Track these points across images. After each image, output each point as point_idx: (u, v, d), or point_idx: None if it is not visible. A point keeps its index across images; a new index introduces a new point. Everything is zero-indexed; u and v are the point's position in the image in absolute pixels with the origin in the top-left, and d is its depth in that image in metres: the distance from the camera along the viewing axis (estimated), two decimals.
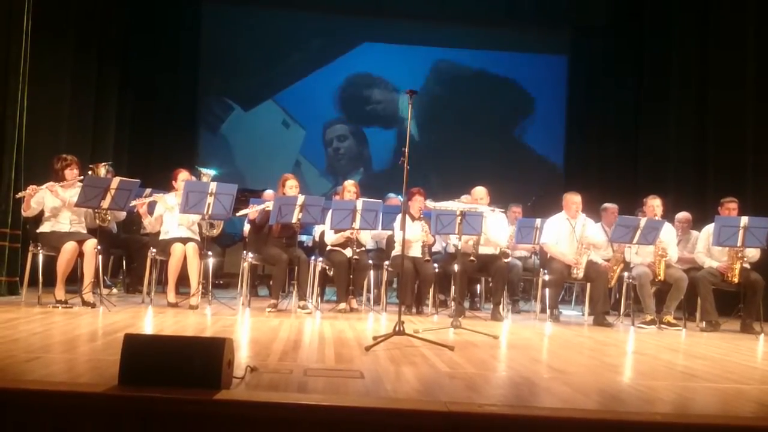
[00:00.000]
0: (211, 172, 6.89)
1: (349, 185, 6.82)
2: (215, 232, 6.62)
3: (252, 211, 6.53)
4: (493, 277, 6.64)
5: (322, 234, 6.92)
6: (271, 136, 11.08)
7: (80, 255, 5.70)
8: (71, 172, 5.87)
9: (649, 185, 8.42)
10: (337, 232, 6.54)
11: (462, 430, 2.40)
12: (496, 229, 6.66)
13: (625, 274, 6.69)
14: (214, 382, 2.54)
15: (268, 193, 7.85)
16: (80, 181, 5.78)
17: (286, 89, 11.05)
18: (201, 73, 10.87)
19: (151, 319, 5.29)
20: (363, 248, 6.63)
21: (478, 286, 7.66)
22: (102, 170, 6.44)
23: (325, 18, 11.09)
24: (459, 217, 5.86)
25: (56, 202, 5.78)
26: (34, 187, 5.68)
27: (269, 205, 6.27)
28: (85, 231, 5.96)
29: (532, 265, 7.59)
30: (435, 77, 11.08)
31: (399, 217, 6.34)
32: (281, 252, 6.25)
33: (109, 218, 6.33)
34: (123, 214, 6.55)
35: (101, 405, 2.43)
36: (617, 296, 7.20)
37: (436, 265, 6.69)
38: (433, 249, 7.03)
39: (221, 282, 8.43)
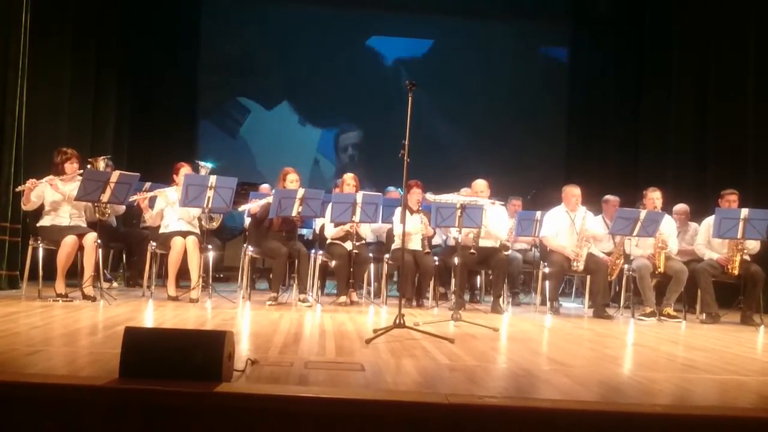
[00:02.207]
0: (209, 165, 6.88)
1: (349, 178, 6.80)
2: (214, 225, 6.62)
3: (254, 205, 6.52)
4: (493, 270, 6.64)
5: (322, 227, 6.91)
6: (273, 129, 11.06)
7: (80, 249, 5.70)
8: (71, 166, 5.87)
9: (649, 177, 8.40)
10: (337, 225, 6.54)
11: (462, 422, 2.41)
12: (496, 222, 6.66)
13: (626, 266, 6.69)
14: (214, 374, 2.55)
15: (264, 186, 7.83)
16: (80, 174, 5.77)
17: (287, 82, 11.03)
18: (201, 67, 10.85)
19: (152, 312, 5.29)
20: (363, 241, 6.63)
21: (479, 279, 7.67)
22: (101, 164, 6.42)
23: (323, 12, 11.05)
24: (459, 210, 5.86)
25: (56, 196, 5.78)
26: (34, 180, 5.67)
27: (271, 199, 6.26)
28: (85, 225, 5.95)
29: (532, 258, 7.59)
30: (435, 69, 11.05)
31: (398, 210, 6.34)
32: (281, 245, 6.25)
33: (109, 212, 6.32)
34: (122, 208, 6.54)
35: (102, 398, 2.43)
36: (617, 288, 7.20)
37: (436, 257, 6.70)
38: (434, 242, 7.04)
39: (221, 275, 8.43)
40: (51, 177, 5.76)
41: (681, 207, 7.35)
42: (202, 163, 6.93)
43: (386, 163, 6.05)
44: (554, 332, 5.28)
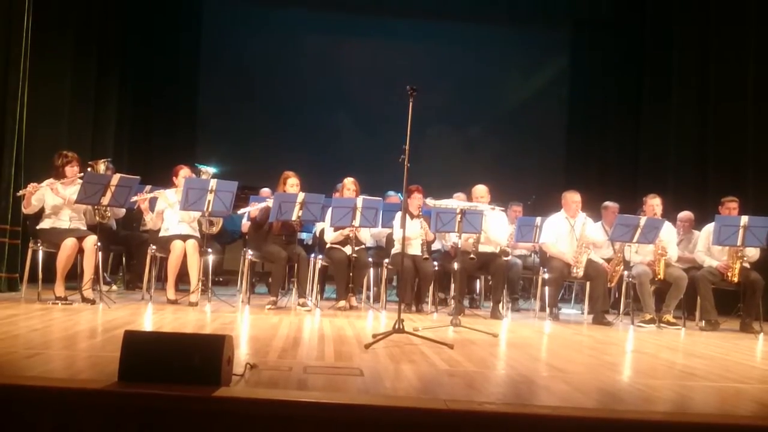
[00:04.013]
0: (211, 170, 6.87)
1: (349, 183, 6.79)
2: (214, 230, 6.62)
3: (255, 209, 6.52)
4: (492, 276, 6.64)
5: (322, 231, 6.91)
6: (272, 133, 11.07)
7: (80, 251, 5.69)
8: (72, 169, 5.87)
9: (649, 184, 8.41)
10: (336, 229, 6.54)
11: (461, 428, 2.40)
12: (496, 228, 6.66)
13: (625, 273, 6.69)
14: (213, 379, 2.55)
15: (265, 190, 7.84)
16: (80, 177, 5.77)
17: (287, 86, 11.04)
18: (201, 69, 10.86)
19: (151, 315, 5.29)
20: (362, 246, 6.63)
21: (478, 284, 7.66)
22: (101, 166, 6.44)
23: (323, 16, 11.06)
24: (459, 216, 5.86)
25: (57, 200, 5.78)
26: (35, 185, 5.68)
27: (271, 203, 6.26)
28: (84, 227, 5.95)
29: (531, 264, 7.59)
30: (435, 74, 11.05)
31: (398, 214, 6.34)
32: (281, 249, 6.25)
33: (109, 215, 6.32)
34: (122, 211, 6.55)
35: (101, 401, 2.43)
36: (617, 295, 7.19)
37: (435, 263, 6.69)
38: (433, 247, 7.03)
39: (221, 279, 8.43)
40: (51, 181, 5.77)
41: (685, 214, 7.32)
42: (203, 168, 6.92)
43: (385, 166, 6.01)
44: (553, 338, 5.27)
